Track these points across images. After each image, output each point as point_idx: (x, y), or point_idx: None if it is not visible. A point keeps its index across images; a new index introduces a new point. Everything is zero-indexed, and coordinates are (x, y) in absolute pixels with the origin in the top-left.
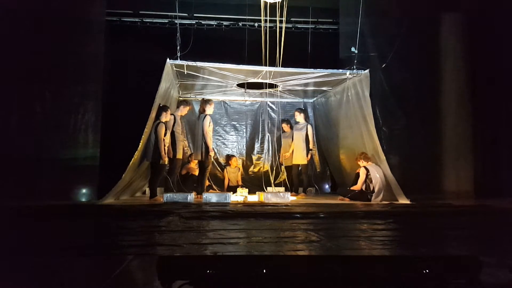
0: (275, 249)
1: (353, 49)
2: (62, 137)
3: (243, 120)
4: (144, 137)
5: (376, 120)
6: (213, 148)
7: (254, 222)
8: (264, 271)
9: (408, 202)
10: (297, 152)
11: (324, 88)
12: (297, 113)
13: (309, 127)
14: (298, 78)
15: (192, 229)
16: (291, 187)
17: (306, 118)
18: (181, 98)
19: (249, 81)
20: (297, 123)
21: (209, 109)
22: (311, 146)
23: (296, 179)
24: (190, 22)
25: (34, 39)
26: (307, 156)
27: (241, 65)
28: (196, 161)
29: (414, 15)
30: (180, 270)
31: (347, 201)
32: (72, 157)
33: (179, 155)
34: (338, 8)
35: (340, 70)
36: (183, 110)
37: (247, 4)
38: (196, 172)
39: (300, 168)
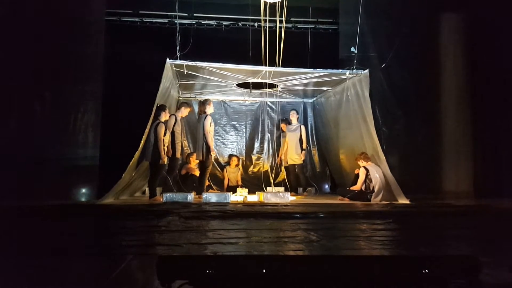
0: (275, 249)
1: (353, 49)
2: (62, 137)
3: (242, 120)
4: (144, 137)
5: (376, 120)
6: (214, 148)
7: (254, 222)
8: (264, 271)
9: (408, 202)
10: (291, 152)
11: (324, 88)
12: (293, 113)
13: (303, 127)
14: (298, 78)
15: (192, 229)
16: (291, 187)
17: (299, 119)
18: (181, 99)
19: (249, 81)
20: (290, 124)
21: (209, 109)
22: (304, 146)
23: (294, 179)
24: (190, 22)
25: (34, 39)
26: (301, 155)
27: (240, 65)
28: (196, 161)
29: (414, 15)
30: (180, 270)
31: (346, 201)
32: (72, 157)
33: (178, 155)
34: (338, 8)
35: (340, 70)
36: (184, 112)
37: (247, 4)
38: (196, 172)
39: (296, 168)
